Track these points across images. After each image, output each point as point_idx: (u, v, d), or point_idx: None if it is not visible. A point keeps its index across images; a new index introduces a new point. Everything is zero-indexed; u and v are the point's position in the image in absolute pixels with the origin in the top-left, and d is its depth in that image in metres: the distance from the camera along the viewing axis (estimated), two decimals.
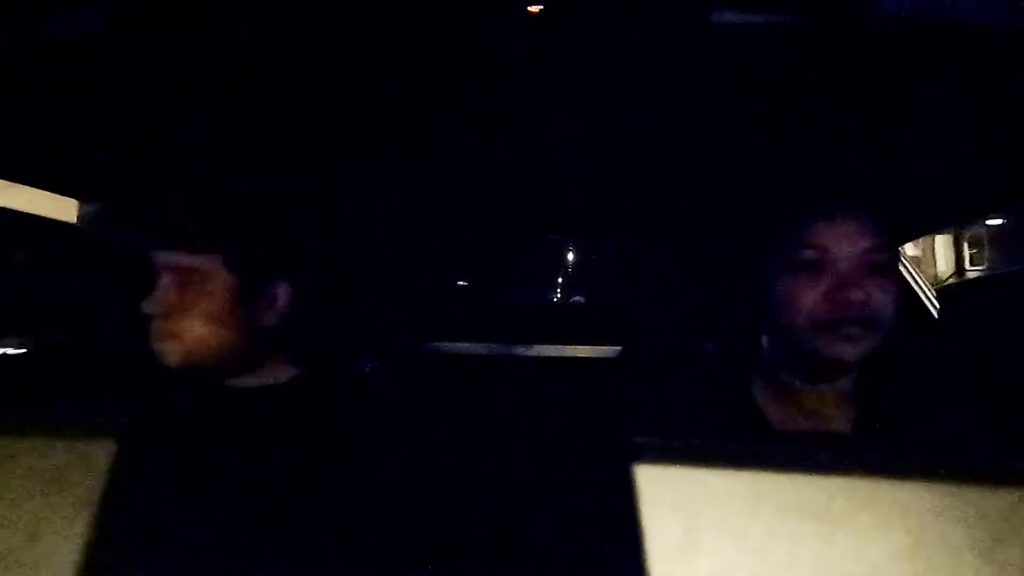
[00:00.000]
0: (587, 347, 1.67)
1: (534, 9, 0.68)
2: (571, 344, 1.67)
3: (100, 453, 0.41)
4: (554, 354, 1.65)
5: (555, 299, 3.28)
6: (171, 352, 0.74)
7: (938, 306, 1.42)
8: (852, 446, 0.32)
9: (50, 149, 1.05)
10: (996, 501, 0.30)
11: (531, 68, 0.80)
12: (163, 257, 0.76)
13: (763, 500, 0.32)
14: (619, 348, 1.67)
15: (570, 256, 3.38)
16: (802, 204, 0.71)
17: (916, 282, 1.49)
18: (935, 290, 1.46)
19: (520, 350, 1.66)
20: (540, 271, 3.32)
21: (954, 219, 1.20)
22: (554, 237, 2.98)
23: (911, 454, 0.33)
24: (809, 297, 0.66)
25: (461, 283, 2.55)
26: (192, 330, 0.74)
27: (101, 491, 0.39)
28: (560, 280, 3.40)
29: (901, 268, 1.18)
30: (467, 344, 1.67)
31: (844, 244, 0.66)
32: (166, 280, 0.75)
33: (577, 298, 3.30)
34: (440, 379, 1.60)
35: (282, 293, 0.78)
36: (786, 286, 0.68)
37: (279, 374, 0.80)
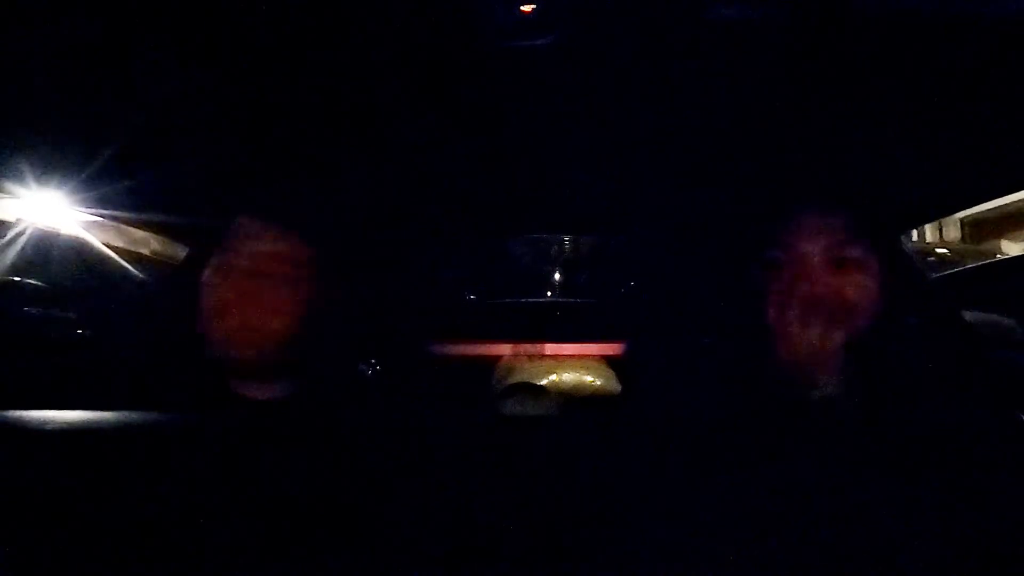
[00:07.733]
0: (588, 346, 1.67)
1: (527, 8, 0.68)
2: (572, 343, 1.67)
3: (108, 456, 0.41)
4: (556, 353, 1.65)
5: (555, 298, 3.28)
6: (253, 340, 0.71)
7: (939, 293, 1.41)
8: (847, 432, 0.32)
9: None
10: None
11: (525, 68, 0.80)
12: (254, 242, 0.73)
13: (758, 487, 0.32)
14: (621, 345, 1.67)
15: (569, 255, 3.38)
16: (790, 201, 0.73)
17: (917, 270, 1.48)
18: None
19: (522, 350, 1.66)
20: (540, 270, 3.32)
21: (954, 208, 1.20)
22: (553, 236, 2.98)
23: (905, 437, 0.33)
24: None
25: (471, 296, 2.55)
26: (277, 318, 0.71)
27: (108, 493, 0.39)
28: (560, 279, 3.40)
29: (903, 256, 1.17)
30: (468, 345, 1.67)
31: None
32: (252, 266, 0.73)
33: (578, 297, 3.30)
34: (442, 381, 1.60)
35: (337, 287, 0.79)
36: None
37: (283, 380, 0.80)
